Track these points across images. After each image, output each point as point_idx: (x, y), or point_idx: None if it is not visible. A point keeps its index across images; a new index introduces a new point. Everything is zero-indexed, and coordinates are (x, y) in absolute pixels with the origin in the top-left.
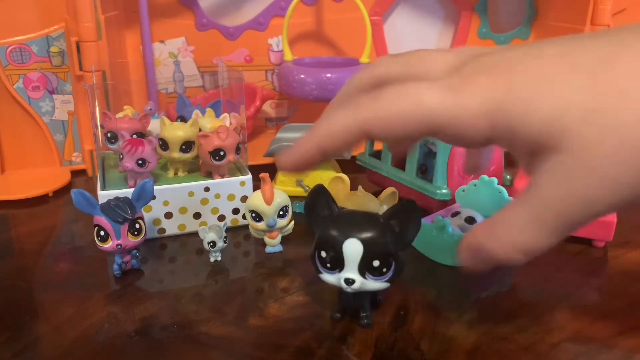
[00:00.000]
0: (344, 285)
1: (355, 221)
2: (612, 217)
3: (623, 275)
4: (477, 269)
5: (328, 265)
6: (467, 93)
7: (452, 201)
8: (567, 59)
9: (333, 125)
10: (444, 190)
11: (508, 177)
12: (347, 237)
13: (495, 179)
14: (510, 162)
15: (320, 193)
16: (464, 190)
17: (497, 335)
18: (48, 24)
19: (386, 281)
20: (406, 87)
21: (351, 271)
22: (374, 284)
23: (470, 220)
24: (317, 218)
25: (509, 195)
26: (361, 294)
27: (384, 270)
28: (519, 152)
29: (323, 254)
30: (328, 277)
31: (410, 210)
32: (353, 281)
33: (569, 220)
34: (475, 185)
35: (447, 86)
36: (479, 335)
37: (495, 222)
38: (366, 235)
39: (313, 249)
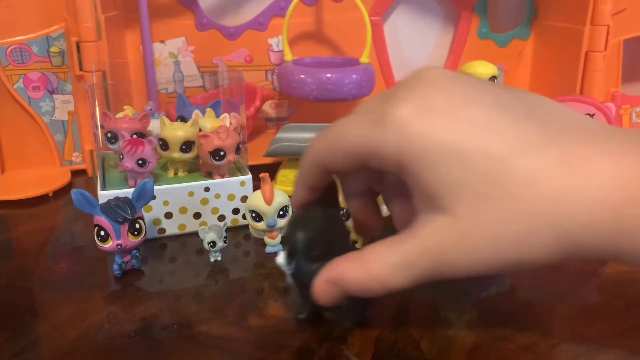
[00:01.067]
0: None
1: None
2: None
3: (623, 275)
4: (330, 300)
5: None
6: (385, 126)
7: None
8: (484, 139)
9: (301, 166)
10: None
11: None
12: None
13: None
14: None
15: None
16: None
17: (497, 335)
18: (48, 24)
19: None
20: (341, 121)
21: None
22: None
23: None
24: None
25: None
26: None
27: None
28: (418, 196)
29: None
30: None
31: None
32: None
33: (431, 274)
34: None
35: (370, 119)
36: (479, 335)
37: (368, 259)
38: None
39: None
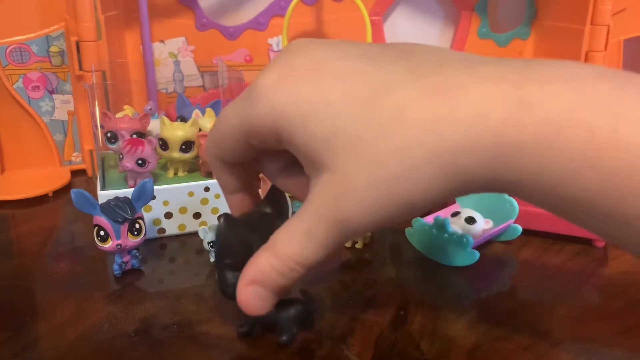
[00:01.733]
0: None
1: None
2: None
3: (623, 275)
4: (259, 306)
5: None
6: (266, 97)
7: (452, 201)
8: (346, 82)
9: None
10: None
11: None
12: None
13: None
14: None
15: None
16: None
17: (497, 335)
18: (48, 23)
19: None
20: (224, 109)
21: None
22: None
23: (470, 220)
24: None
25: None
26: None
27: None
28: (303, 162)
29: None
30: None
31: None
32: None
33: (337, 235)
34: None
35: (242, 98)
36: (479, 335)
37: (274, 241)
38: None
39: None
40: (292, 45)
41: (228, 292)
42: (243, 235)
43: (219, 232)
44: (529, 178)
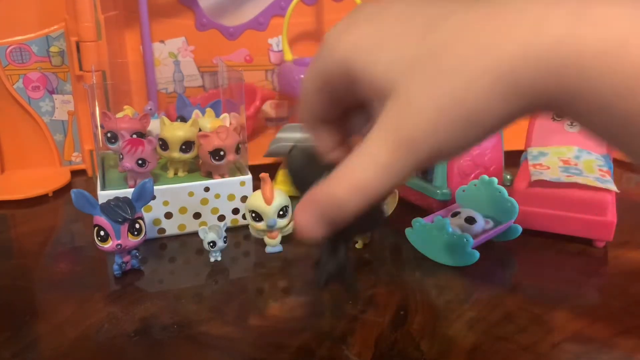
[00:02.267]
0: None
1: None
2: (612, 217)
3: (623, 275)
4: (311, 232)
5: None
6: (334, 45)
7: (452, 201)
8: (406, 20)
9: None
10: (444, 190)
11: (508, 177)
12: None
13: (495, 179)
14: (510, 162)
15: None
16: (464, 190)
17: (497, 335)
18: (48, 24)
19: None
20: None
21: None
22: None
23: (470, 220)
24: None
25: (509, 195)
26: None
27: None
28: (371, 99)
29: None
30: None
31: None
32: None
33: (400, 159)
34: (475, 185)
35: (317, 54)
36: (479, 335)
37: (337, 172)
38: None
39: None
40: (357, 6)
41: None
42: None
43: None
44: (587, 92)
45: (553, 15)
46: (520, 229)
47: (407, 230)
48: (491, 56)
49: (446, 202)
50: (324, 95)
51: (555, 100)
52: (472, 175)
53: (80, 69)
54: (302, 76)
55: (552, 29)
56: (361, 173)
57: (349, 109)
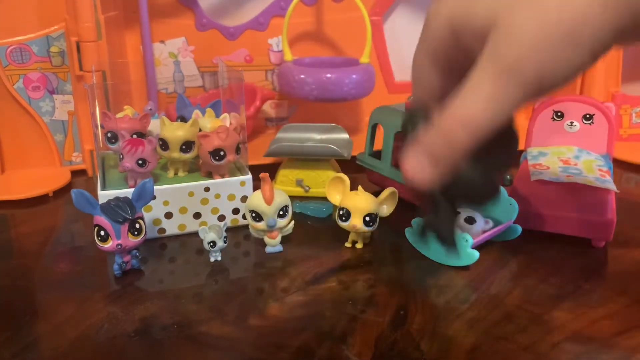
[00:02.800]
0: None
1: None
2: (612, 217)
3: (623, 275)
4: (420, 177)
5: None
6: (436, 14)
7: None
8: None
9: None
10: None
11: (508, 177)
12: None
13: None
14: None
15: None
16: None
17: (497, 335)
18: (48, 24)
19: None
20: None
21: None
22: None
23: (470, 220)
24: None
25: (509, 195)
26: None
27: None
28: (476, 48)
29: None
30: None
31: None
32: None
33: (503, 87)
34: None
35: (426, 19)
36: (479, 335)
37: (443, 112)
38: None
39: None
40: None
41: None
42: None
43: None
44: None
45: None
46: (520, 229)
47: (407, 230)
48: None
49: None
50: (438, 67)
51: None
52: None
53: (81, 69)
54: (302, 76)
55: None
56: (466, 108)
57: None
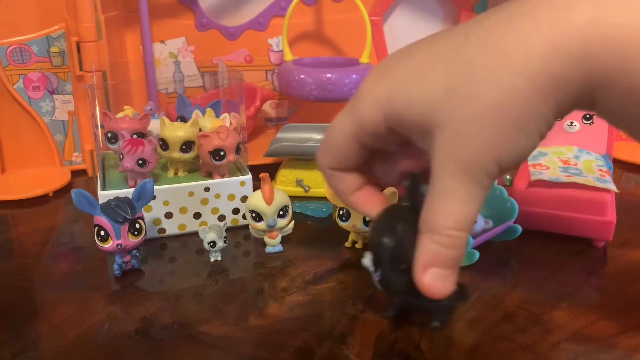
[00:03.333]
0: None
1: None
2: (612, 217)
3: (623, 275)
4: (441, 289)
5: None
6: (370, 94)
7: None
8: (430, 53)
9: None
10: None
11: (508, 177)
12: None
13: None
14: None
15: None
16: None
17: (497, 335)
18: (48, 24)
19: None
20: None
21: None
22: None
23: None
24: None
25: (509, 195)
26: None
27: None
28: (415, 137)
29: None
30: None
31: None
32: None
33: (472, 184)
34: None
35: (350, 103)
36: (479, 335)
37: (424, 221)
38: None
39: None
40: (387, 56)
41: (392, 287)
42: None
43: (395, 232)
44: (620, 75)
45: (575, 5)
46: (520, 229)
47: None
48: (523, 56)
49: None
50: (356, 143)
51: (591, 89)
52: None
53: (81, 69)
54: (302, 76)
55: (576, 17)
56: (450, 215)
57: (374, 155)
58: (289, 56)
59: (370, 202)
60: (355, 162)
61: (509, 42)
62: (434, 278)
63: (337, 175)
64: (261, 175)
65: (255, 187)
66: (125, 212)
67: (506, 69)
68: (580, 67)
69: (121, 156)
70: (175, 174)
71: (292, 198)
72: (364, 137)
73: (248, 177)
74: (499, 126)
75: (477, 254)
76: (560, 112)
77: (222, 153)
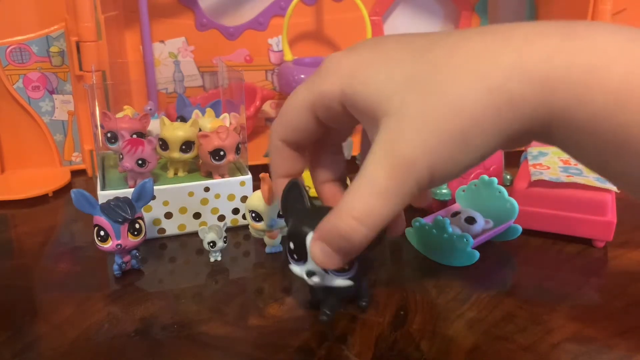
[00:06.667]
0: (305, 277)
1: (322, 215)
2: (612, 217)
3: (623, 275)
4: (327, 262)
5: (295, 256)
6: (332, 67)
7: (452, 201)
8: (400, 45)
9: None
10: (444, 190)
11: (508, 177)
12: (310, 229)
13: (495, 179)
14: (510, 162)
15: (294, 187)
16: (464, 190)
17: (497, 335)
18: (48, 24)
19: (349, 279)
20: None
21: (313, 264)
22: (336, 280)
23: (470, 220)
24: (290, 210)
25: (509, 195)
26: (329, 290)
27: (346, 267)
28: (364, 122)
29: (291, 244)
30: (295, 268)
31: None
32: (313, 273)
33: (398, 182)
34: (475, 185)
35: (314, 74)
36: (479, 335)
37: (339, 203)
38: None
39: (286, 239)
40: (359, 41)
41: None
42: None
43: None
44: (576, 107)
45: (543, 35)
46: (520, 229)
47: (407, 230)
48: (487, 69)
49: (446, 202)
50: (309, 114)
51: (547, 117)
52: (472, 175)
53: (81, 69)
54: (302, 76)
55: (542, 46)
56: (362, 203)
57: (324, 140)
58: (289, 56)
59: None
60: (305, 137)
61: (476, 53)
62: (320, 251)
63: (284, 150)
64: (261, 175)
65: (255, 187)
66: (125, 212)
67: (468, 76)
68: (541, 90)
69: (121, 156)
70: (175, 174)
71: None
72: (318, 108)
73: (248, 177)
74: (444, 131)
75: (477, 254)
76: (510, 138)
77: (222, 153)
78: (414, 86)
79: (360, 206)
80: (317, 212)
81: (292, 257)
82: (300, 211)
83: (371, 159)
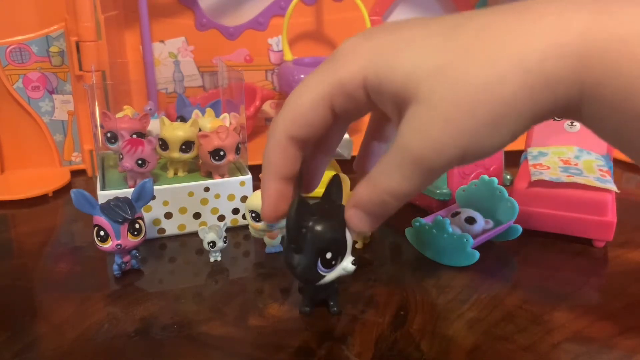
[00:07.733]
0: (350, 267)
1: (333, 210)
2: (612, 217)
3: (623, 275)
4: (361, 226)
5: (333, 262)
6: (350, 53)
7: (452, 201)
8: (426, 27)
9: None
10: (444, 190)
11: (508, 177)
12: (343, 224)
13: (495, 179)
14: (510, 162)
15: (303, 203)
16: (464, 190)
17: (497, 335)
18: (48, 24)
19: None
20: (294, 92)
21: (350, 254)
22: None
23: (470, 220)
24: (301, 232)
25: (509, 195)
26: (330, 284)
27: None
28: (388, 108)
29: (328, 255)
30: (331, 275)
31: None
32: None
33: (425, 166)
34: (475, 185)
35: (326, 64)
36: (479, 335)
37: (371, 174)
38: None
39: (312, 258)
40: (372, 27)
41: (295, 272)
42: (302, 221)
43: (289, 219)
44: (611, 80)
45: (575, 10)
46: (520, 229)
47: (407, 230)
48: (519, 51)
49: (446, 202)
50: (325, 108)
51: (579, 93)
52: (472, 175)
53: (80, 69)
54: (302, 76)
55: (576, 22)
56: (388, 181)
57: (336, 128)
58: (288, 56)
59: (280, 197)
60: (317, 132)
61: (508, 35)
62: (355, 216)
63: (288, 148)
64: (261, 175)
65: (255, 187)
66: (125, 212)
67: (502, 60)
68: (576, 68)
69: (121, 156)
70: (175, 174)
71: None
72: (338, 99)
73: (248, 177)
74: (476, 116)
75: (477, 254)
76: (541, 116)
77: (221, 153)
78: (445, 72)
79: (389, 184)
80: (325, 210)
81: (328, 267)
82: (311, 222)
83: (400, 143)
